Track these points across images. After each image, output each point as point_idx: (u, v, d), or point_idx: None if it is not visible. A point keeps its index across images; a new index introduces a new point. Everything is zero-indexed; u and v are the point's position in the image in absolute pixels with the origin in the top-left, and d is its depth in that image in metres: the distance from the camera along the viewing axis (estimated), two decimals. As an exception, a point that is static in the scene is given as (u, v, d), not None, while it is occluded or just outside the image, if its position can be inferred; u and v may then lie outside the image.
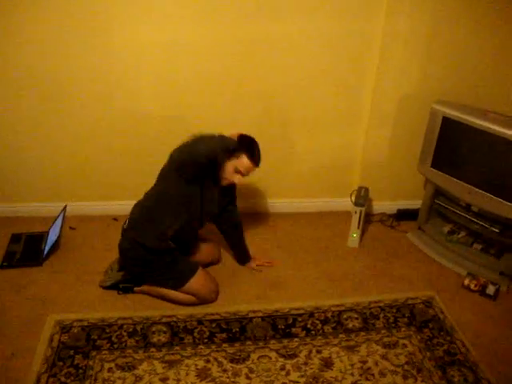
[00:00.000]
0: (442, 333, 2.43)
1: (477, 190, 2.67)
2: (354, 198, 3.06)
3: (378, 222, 3.34)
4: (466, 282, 2.73)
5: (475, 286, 2.70)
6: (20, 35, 2.59)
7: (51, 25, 2.58)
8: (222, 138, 2.25)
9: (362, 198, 2.99)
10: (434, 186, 2.99)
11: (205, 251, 2.74)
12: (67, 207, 2.98)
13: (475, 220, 2.85)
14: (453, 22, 2.76)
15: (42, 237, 2.92)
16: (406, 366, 2.23)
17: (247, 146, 2.34)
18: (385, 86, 2.93)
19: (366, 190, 3.07)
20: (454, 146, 2.76)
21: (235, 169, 2.34)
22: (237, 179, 2.38)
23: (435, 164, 2.85)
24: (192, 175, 2.30)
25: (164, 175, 2.38)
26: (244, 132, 2.38)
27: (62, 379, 2.08)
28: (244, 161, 2.32)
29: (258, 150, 2.39)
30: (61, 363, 2.15)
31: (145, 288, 2.55)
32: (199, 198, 2.40)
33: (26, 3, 2.50)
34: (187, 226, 2.46)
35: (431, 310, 2.58)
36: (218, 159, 2.27)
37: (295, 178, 3.25)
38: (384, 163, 3.21)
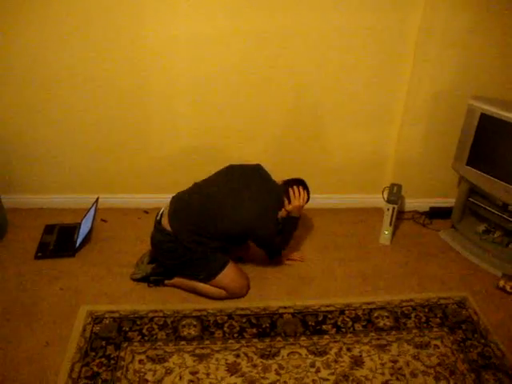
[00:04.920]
0: (475, 335, 2.37)
1: (514, 189, 2.60)
2: (386, 195, 3.01)
3: (409, 219, 3.28)
4: (501, 283, 2.67)
5: (511, 287, 2.63)
6: (54, 33, 2.62)
7: (82, 21, 2.60)
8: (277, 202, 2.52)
9: (395, 195, 2.95)
10: (468, 184, 2.92)
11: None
12: (99, 199, 3.02)
13: (512, 220, 2.78)
14: (492, 16, 2.68)
15: (74, 228, 2.96)
16: (438, 368, 2.19)
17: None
18: (420, 81, 2.87)
19: (399, 186, 3.02)
20: (491, 143, 2.69)
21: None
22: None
23: (471, 162, 2.78)
24: None
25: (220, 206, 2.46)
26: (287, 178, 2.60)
27: (95, 369, 2.11)
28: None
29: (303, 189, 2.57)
30: (93, 353, 2.18)
31: (175, 281, 2.56)
32: None
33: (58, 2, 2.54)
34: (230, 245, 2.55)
35: (464, 310, 2.52)
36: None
37: (326, 174, 3.22)
38: (417, 160, 3.15)
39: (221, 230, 2.41)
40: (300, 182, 2.59)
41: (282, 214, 2.56)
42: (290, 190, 2.54)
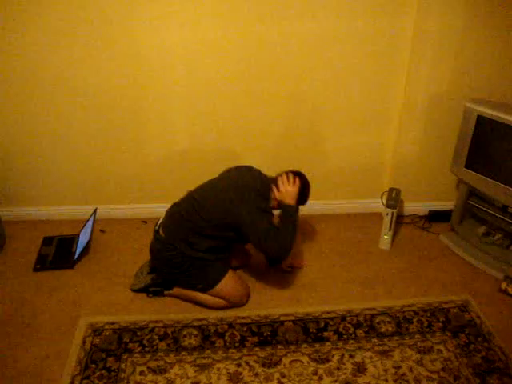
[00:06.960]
0: (479, 338, 2.36)
1: (514, 190, 2.59)
2: (385, 200, 3.00)
3: (409, 223, 3.27)
4: (503, 285, 2.65)
5: (513, 290, 2.62)
6: (44, 43, 2.62)
7: (76, 33, 2.61)
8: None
9: (394, 199, 2.94)
10: (467, 187, 2.91)
11: (235, 254, 2.72)
12: (97, 210, 3.00)
13: (512, 222, 2.77)
14: (486, 18, 2.68)
15: (73, 240, 2.95)
16: (441, 373, 2.17)
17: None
18: (416, 84, 2.87)
19: (398, 191, 3.01)
20: (489, 145, 2.68)
21: None
22: None
23: (469, 164, 2.78)
24: None
25: (210, 199, 2.41)
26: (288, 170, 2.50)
27: (96, 381, 2.09)
28: None
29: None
30: (93, 365, 2.16)
31: (175, 291, 2.55)
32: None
33: (53, 12, 2.54)
34: (224, 246, 2.50)
35: (467, 314, 2.51)
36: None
37: (324, 179, 3.22)
38: (416, 163, 3.14)
39: (206, 219, 2.35)
40: (293, 171, 2.49)
41: (273, 203, 2.45)
42: (279, 178, 2.45)
